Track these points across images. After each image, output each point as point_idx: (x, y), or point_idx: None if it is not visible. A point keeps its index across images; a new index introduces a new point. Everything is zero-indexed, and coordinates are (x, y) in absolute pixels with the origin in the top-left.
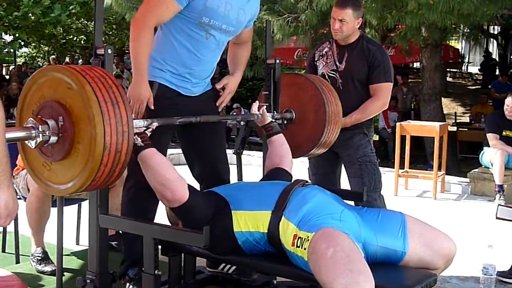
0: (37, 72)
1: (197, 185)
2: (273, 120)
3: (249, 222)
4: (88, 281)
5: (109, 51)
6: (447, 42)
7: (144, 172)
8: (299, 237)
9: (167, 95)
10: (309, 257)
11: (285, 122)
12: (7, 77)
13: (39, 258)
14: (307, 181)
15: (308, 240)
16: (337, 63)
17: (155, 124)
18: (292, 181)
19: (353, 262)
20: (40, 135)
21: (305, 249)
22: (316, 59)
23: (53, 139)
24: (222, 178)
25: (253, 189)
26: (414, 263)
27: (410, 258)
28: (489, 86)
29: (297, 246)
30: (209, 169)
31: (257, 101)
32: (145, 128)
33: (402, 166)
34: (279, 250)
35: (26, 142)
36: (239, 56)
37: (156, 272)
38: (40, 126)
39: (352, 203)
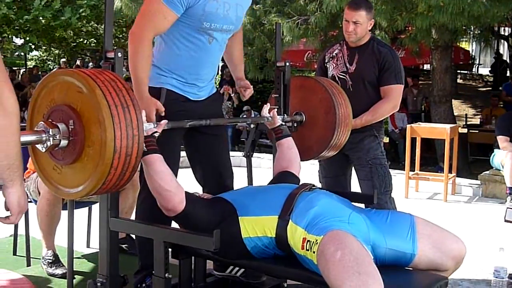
0: (47, 76)
1: (200, 189)
2: (283, 123)
3: (256, 228)
4: (98, 284)
5: (119, 54)
6: (458, 44)
7: (145, 176)
8: (308, 241)
9: (175, 100)
10: (318, 260)
11: (295, 124)
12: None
13: (50, 261)
14: (314, 185)
15: (317, 243)
16: (348, 65)
17: (161, 127)
18: (299, 185)
19: (361, 264)
20: (51, 138)
21: (314, 252)
22: (326, 61)
23: (64, 142)
24: (225, 182)
25: (260, 193)
26: (424, 265)
27: (419, 260)
28: (500, 88)
29: (306, 250)
30: (211, 173)
31: (268, 103)
32: (152, 132)
33: (412, 168)
34: (288, 253)
35: (37, 145)
36: (235, 55)
37: (166, 275)
38: (50, 130)
39: (362, 205)
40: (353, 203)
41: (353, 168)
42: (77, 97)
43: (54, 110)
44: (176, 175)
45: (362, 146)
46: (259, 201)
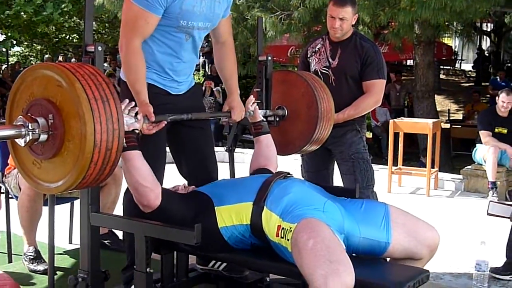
0: (26, 70)
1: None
2: (264, 120)
3: (232, 216)
4: (79, 279)
5: (99, 48)
6: (440, 40)
7: (123, 170)
8: (283, 228)
9: (157, 94)
10: (292, 249)
11: (277, 119)
12: (0, 76)
13: (32, 257)
14: (288, 173)
15: (291, 231)
16: (330, 60)
17: (141, 123)
18: (274, 173)
19: (333, 253)
20: (30, 133)
21: (288, 240)
22: (308, 55)
23: (43, 137)
24: (211, 176)
25: (235, 183)
26: (399, 253)
27: (394, 249)
28: (487, 84)
29: (281, 237)
30: (197, 167)
31: (251, 97)
32: (132, 128)
33: (395, 163)
34: (263, 241)
35: (16, 140)
36: (227, 69)
37: (148, 270)
38: (29, 124)
39: None
40: None
41: (335, 162)
42: (56, 91)
43: (34, 104)
44: (163, 170)
45: (345, 140)
46: (234, 190)
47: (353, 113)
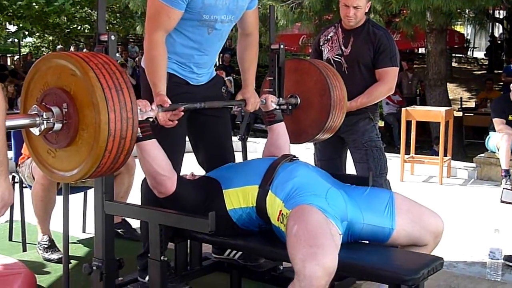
0: (40, 59)
1: (202, 172)
2: (277, 108)
3: (240, 198)
4: (94, 267)
5: (112, 37)
6: (452, 27)
7: (139, 159)
8: (282, 213)
9: (177, 83)
10: (286, 234)
11: (290, 107)
12: (12, 67)
13: (46, 246)
14: (295, 156)
15: (287, 216)
16: (343, 48)
17: (155, 112)
18: (280, 156)
19: (313, 237)
20: (44, 122)
21: (285, 225)
22: (321, 43)
23: (58, 126)
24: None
25: (242, 166)
26: (403, 239)
27: (398, 234)
28: (500, 71)
29: (280, 222)
30: (214, 155)
31: (265, 93)
32: (146, 117)
33: (408, 151)
34: (269, 223)
35: (31, 129)
36: (247, 60)
37: (162, 258)
38: (44, 113)
39: None
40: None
41: (348, 150)
42: (70, 80)
43: (48, 94)
44: (181, 159)
45: (357, 128)
46: (242, 172)
47: (366, 101)
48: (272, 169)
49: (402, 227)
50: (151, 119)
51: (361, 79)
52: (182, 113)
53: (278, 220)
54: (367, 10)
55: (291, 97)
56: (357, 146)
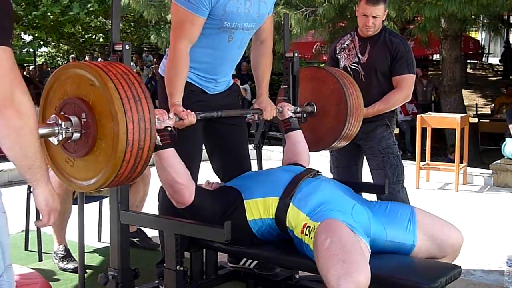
0: (59, 69)
1: (217, 180)
2: (293, 116)
3: (260, 209)
4: (110, 277)
5: (127, 47)
6: (467, 33)
7: (157, 168)
8: (308, 226)
9: (193, 92)
10: (313, 247)
11: (305, 115)
12: (28, 76)
13: (62, 255)
14: (318, 171)
15: (314, 229)
16: (360, 56)
17: (173, 121)
18: (304, 169)
19: (347, 252)
20: (63, 131)
21: (312, 238)
22: (337, 52)
23: (76, 135)
24: (244, 172)
25: (264, 176)
26: (423, 254)
27: (419, 249)
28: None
29: (305, 235)
30: (230, 163)
31: (281, 101)
32: (165, 126)
33: (423, 158)
34: (288, 235)
35: (49, 138)
36: (261, 68)
37: (178, 267)
38: (63, 123)
39: (374, 196)
40: (362, 193)
41: (364, 158)
42: (89, 90)
43: (66, 103)
44: (198, 167)
45: (374, 135)
46: (263, 183)
47: (383, 108)
48: (294, 183)
49: (423, 242)
50: (169, 128)
51: (378, 87)
52: (194, 120)
53: (302, 233)
54: (384, 18)
55: (307, 105)
56: (374, 153)
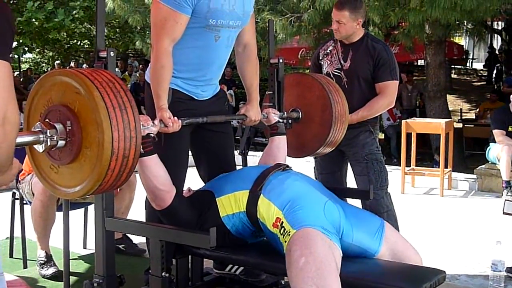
0: (44, 76)
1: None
2: (280, 121)
3: (232, 203)
4: (95, 284)
5: (112, 53)
6: (451, 39)
7: (139, 173)
8: (283, 226)
9: (180, 99)
10: (286, 255)
11: (290, 121)
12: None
13: (42, 261)
14: (288, 166)
15: (289, 235)
16: (342, 62)
17: (157, 128)
18: (274, 164)
19: (321, 277)
20: (48, 139)
21: (285, 241)
22: (320, 58)
23: (61, 143)
24: None
25: (234, 174)
26: None
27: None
28: (501, 82)
29: (279, 230)
30: (216, 170)
31: (266, 107)
32: (148, 132)
33: (408, 163)
34: (260, 229)
35: (34, 146)
36: (248, 73)
37: (163, 274)
38: (48, 131)
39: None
40: (347, 198)
41: (349, 164)
42: (74, 97)
43: (52, 110)
44: (185, 173)
45: (358, 141)
46: (233, 179)
47: (366, 114)
48: (263, 176)
49: (384, 254)
50: (152, 135)
51: (361, 93)
52: (179, 127)
53: (275, 227)
54: (357, 26)
55: (293, 111)
56: (358, 159)
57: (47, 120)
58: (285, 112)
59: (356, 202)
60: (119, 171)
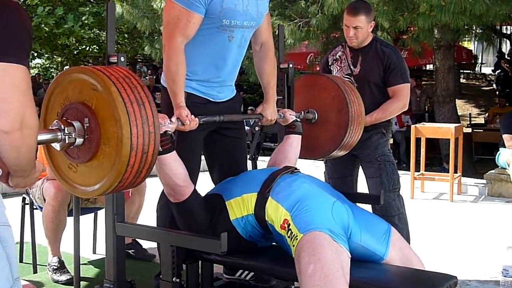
0: (61, 74)
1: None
2: (298, 120)
3: (241, 206)
4: None
5: (122, 59)
6: (460, 44)
7: (157, 171)
8: (290, 229)
9: (196, 103)
10: (295, 259)
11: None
12: None
13: (55, 267)
14: (296, 168)
15: (297, 239)
16: (352, 67)
17: (175, 125)
18: (283, 167)
19: (330, 285)
20: (66, 137)
21: (293, 245)
22: (329, 63)
23: (79, 141)
24: None
25: (242, 176)
26: None
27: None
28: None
29: (286, 232)
30: (228, 176)
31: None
32: (165, 130)
33: (417, 168)
34: (269, 231)
35: (52, 144)
36: (265, 73)
37: (174, 279)
38: (66, 128)
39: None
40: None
41: (359, 169)
42: (91, 94)
43: (69, 108)
44: (197, 174)
45: (370, 143)
46: (242, 182)
47: (380, 117)
48: (272, 178)
49: (392, 260)
50: (169, 132)
51: (372, 98)
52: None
53: (282, 229)
54: (370, 30)
55: (308, 112)
56: (371, 161)
57: (64, 118)
58: (302, 112)
59: (367, 207)
60: (138, 167)
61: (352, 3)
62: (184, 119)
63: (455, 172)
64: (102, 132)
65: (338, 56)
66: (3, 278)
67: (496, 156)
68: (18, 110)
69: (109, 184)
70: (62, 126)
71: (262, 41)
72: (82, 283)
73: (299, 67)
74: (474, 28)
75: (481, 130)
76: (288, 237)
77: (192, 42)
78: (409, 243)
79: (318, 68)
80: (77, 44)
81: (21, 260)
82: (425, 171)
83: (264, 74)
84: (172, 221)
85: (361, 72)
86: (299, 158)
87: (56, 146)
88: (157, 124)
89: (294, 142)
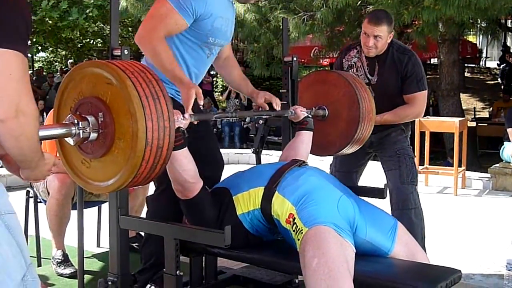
0: (74, 69)
1: None
2: (309, 116)
3: (247, 201)
4: (109, 283)
5: (126, 51)
6: (465, 37)
7: (167, 167)
8: (295, 222)
9: (176, 107)
10: (299, 254)
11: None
12: None
13: (59, 260)
14: (304, 162)
15: (302, 233)
16: (369, 76)
17: (188, 121)
18: (290, 160)
19: (334, 278)
20: (80, 131)
21: (298, 239)
22: (345, 68)
23: (93, 135)
24: (214, 173)
25: (250, 171)
26: None
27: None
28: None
29: (291, 226)
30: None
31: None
32: (178, 126)
33: (422, 162)
34: (275, 226)
35: (65, 139)
36: (237, 78)
37: (177, 272)
38: (80, 123)
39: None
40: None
41: (366, 167)
42: (106, 88)
43: (82, 103)
44: None
45: (389, 139)
46: (249, 177)
47: (390, 119)
48: (279, 173)
49: (397, 254)
50: (182, 129)
51: (390, 107)
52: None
53: (288, 223)
54: (389, 41)
55: (319, 108)
56: (390, 155)
57: (78, 112)
58: (313, 109)
59: (379, 204)
60: (153, 163)
61: (374, 12)
62: (200, 96)
63: (460, 166)
64: (117, 126)
65: (354, 62)
66: (17, 266)
67: (501, 150)
68: (12, 98)
69: (123, 179)
70: (76, 121)
71: (226, 56)
72: (86, 276)
73: (303, 60)
74: (479, 21)
75: (486, 124)
76: (293, 231)
77: (178, 53)
78: (424, 240)
79: (322, 62)
80: (81, 37)
81: None
82: (430, 165)
83: (236, 78)
84: (163, 213)
85: (378, 82)
86: (310, 154)
87: (70, 140)
88: (172, 119)
89: (305, 138)
